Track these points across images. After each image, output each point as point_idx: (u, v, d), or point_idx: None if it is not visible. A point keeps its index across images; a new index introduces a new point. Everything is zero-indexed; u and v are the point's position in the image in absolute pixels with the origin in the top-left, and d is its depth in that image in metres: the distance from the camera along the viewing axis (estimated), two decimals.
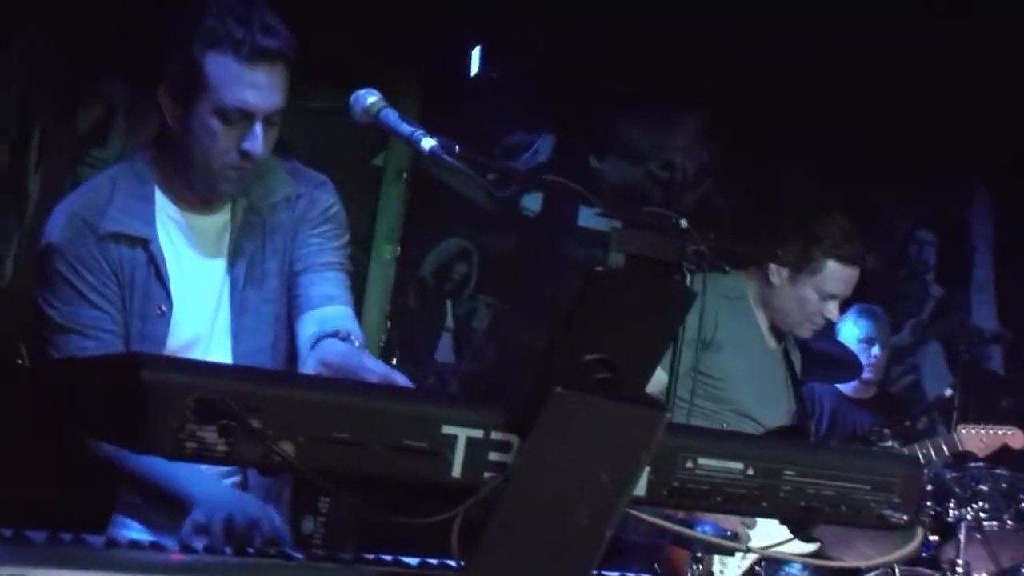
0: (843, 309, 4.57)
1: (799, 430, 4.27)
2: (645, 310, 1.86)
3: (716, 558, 3.87)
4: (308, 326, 2.74)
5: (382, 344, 6.09)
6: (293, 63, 2.65)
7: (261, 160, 2.66)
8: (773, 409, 4.25)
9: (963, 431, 5.02)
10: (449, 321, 6.50)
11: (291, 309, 2.82)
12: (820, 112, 6.49)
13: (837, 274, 4.16)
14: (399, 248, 6.20)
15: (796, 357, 4.47)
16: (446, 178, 6.07)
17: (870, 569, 4.70)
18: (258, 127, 2.61)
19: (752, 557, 4.01)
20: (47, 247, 2.67)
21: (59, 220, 2.69)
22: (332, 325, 2.68)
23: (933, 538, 4.83)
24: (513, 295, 6.60)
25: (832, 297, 4.19)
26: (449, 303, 6.52)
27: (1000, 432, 5.09)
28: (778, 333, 4.33)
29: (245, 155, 2.62)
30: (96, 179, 2.77)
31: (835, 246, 4.15)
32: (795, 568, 4.63)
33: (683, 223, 2.75)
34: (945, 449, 4.91)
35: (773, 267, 4.20)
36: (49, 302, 2.67)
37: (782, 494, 2.06)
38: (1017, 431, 5.14)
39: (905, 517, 2.16)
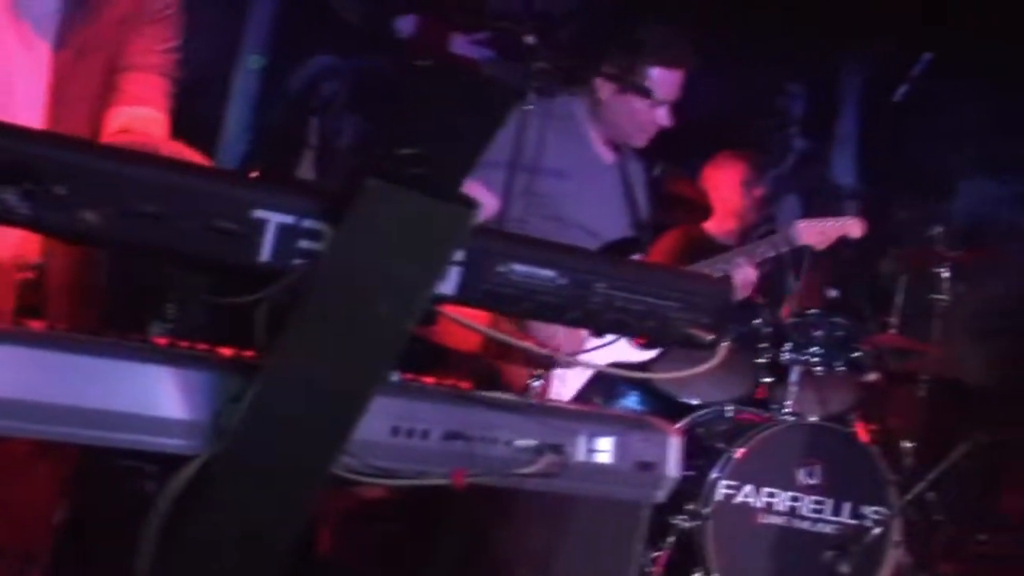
0: None
1: (635, 242, 4.28)
2: (466, 107, 1.87)
3: (556, 376, 3.94)
4: (116, 120, 2.67)
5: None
6: None
7: None
8: (612, 223, 4.24)
9: (801, 224, 4.76)
10: (313, 139, 6.42)
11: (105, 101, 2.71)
12: None
13: (663, 79, 4.14)
14: (265, 60, 6.10)
15: (636, 170, 4.43)
16: None
17: (701, 407, 4.82)
18: None
19: (588, 373, 4.09)
20: None
21: None
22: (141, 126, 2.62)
23: (767, 379, 4.93)
24: (380, 114, 6.51)
25: (662, 104, 4.18)
26: (315, 120, 6.43)
27: (838, 223, 4.82)
28: (613, 147, 4.33)
29: None
30: None
31: (656, 52, 4.14)
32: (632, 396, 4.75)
33: (529, 39, 2.74)
34: (785, 243, 4.62)
35: (598, 81, 4.20)
36: None
37: (591, 305, 2.11)
38: (855, 219, 4.93)
39: (711, 336, 2.22)
